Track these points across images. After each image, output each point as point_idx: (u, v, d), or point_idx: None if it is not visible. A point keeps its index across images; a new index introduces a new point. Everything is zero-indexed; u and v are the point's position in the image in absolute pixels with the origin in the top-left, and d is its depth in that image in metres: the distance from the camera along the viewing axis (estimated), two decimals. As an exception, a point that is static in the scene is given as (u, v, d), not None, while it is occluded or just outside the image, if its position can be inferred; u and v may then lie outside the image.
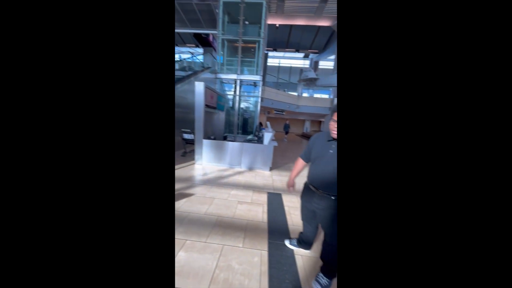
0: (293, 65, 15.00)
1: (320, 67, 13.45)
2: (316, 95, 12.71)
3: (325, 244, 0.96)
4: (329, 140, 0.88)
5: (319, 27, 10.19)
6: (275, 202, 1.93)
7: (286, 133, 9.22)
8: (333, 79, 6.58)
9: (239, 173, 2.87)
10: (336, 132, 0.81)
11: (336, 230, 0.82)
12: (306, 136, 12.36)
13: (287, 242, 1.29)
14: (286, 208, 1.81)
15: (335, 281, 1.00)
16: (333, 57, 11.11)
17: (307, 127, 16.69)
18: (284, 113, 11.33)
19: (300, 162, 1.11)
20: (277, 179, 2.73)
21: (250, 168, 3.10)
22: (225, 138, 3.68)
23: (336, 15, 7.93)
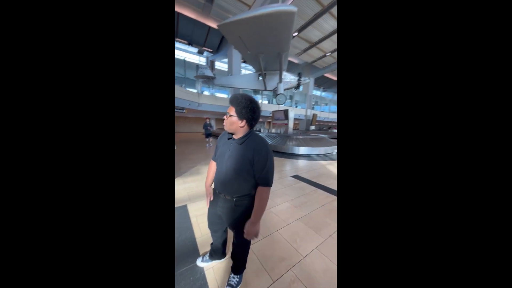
0: (187, 59, 13.83)
1: (216, 67, 14.00)
2: (218, 94, 13.17)
3: (233, 245, 0.94)
4: (229, 138, 0.81)
5: (210, 27, 10.41)
6: (179, 218, 1.59)
7: (208, 135, 6.46)
8: (229, 80, 7.18)
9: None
10: (228, 127, 0.75)
11: (241, 229, 0.79)
12: (214, 135, 12.46)
13: (199, 261, 1.09)
14: (193, 220, 1.56)
15: (245, 275, 1.02)
16: (227, 60, 12.11)
17: (213, 125, 16.86)
18: (184, 111, 10.21)
19: (213, 164, 0.94)
20: (180, 188, 2.31)
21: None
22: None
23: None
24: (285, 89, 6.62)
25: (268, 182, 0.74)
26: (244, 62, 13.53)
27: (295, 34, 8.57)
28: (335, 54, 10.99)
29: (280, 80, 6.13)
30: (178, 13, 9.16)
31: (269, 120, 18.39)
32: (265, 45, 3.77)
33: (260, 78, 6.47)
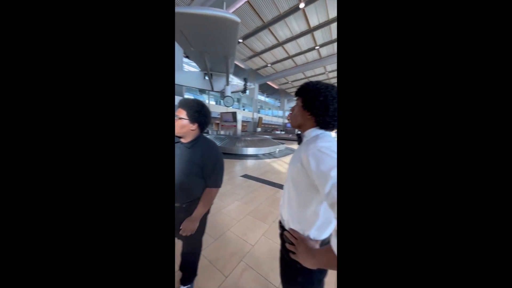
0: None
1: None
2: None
3: (183, 255, 0.89)
4: (176, 142, 0.76)
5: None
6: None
7: None
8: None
9: None
10: (176, 130, 0.72)
11: (187, 237, 0.76)
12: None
13: None
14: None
15: (197, 281, 1.00)
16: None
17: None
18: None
19: None
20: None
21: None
22: None
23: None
24: (232, 92, 6.79)
25: (217, 184, 0.79)
26: (187, 57, 12.34)
27: (240, 41, 9.03)
28: (275, 65, 12.70)
29: (227, 83, 6.22)
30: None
31: (217, 122, 17.94)
32: (210, 45, 3.71)
33: (207, 77, 6.22)
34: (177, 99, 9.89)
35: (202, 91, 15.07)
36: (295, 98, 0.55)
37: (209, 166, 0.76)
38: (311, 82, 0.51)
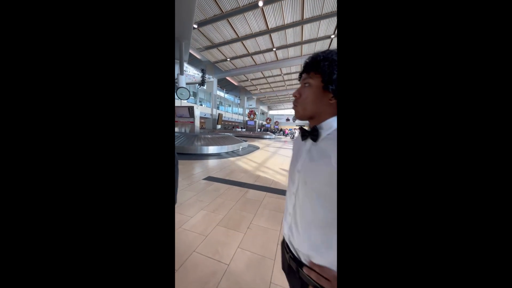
0: None
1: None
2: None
3: None
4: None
5: None
6: None
7: None
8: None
9: None
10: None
11: None
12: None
13: None
14: None
15: None
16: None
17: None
18: None
19: None
20: None
21: None
22: None
23: None
24: (187, 84, 5.94)
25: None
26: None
27: (195, 26, 8.04)
28: (235, 61, 12.36)
29: (181, 72, 5.35)
30: None
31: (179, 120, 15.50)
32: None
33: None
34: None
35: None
36: (300, 78, 0.41)
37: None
38: (326, 50, 0.38)
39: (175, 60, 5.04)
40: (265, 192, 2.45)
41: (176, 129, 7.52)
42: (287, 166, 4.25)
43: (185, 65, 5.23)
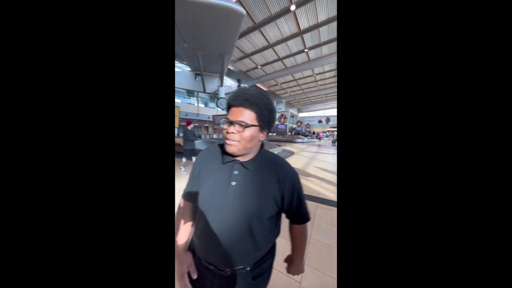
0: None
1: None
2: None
3: None
4: (225, 162, 0.44)
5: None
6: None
7: (190, 154, 3.30)
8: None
9: None
10: (232, 143, 0.39)
11: None
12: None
13: None
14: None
15: None
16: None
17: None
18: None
19: (187, 208, 0.50)
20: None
21: None
22: None
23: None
24: (225, 94, 6.45)
25: (308, 215, 0.50)
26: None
27: (231, 41, 8.73)
28: (265, 67, 12.66)
29: (221, 84, 5.86)
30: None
31: (207, 125, 17.25)
32: (207, 41, 3.35)
33: (198, 78, 5.79)
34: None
35: (190, 93, 14.36)
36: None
37: (291, 194, 0.45)
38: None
39: (216, 74, 5.58)
40: (316, 203, 2.28)
41: (215, 136, 8.19)
42: (331, 174, 3.88)
43: (224, 77, 5.71)
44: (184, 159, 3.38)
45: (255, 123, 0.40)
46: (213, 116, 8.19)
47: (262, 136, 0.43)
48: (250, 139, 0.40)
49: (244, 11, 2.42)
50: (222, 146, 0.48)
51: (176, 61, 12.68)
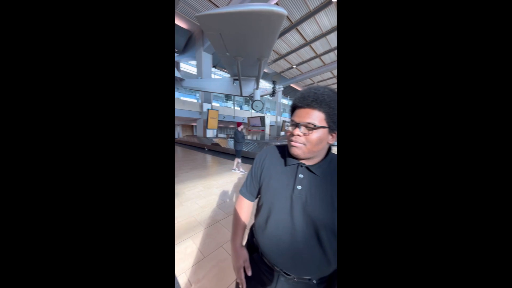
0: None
1: (181, 68, 12.78)
2: (184, 98, 11.91)
3: None
4: (289, 165, 0.43)
5: (175, 25, 9.44)
6: (156, 280, 1.01)
7: (240, 154, 3.66)
8: (201, 83, 6.55)
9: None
10: (297, 145, 0.38)
11: None
12: (181, 143, 11.03)
13: None
14: (179, 273, 1.03)
15: None
16: (194, 62, 11.27)
17: (179, 133, 15.15)
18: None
19: (245, 206, 0.52)
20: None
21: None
22: None
23: (191, 20, 7.97)
24: (261, 96, 6.60)
25: None
26: (214, 66, 13.00)
27: (266, 44, 8.90)
28: (300, 67, 12.17)
29: (257, 86, 6.05)
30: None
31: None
32: (247, 47, 3.56)
33: (235, 83, 6.20)
34: (206, 106, 10.38)
35: (227, 97, 15.60)
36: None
37: None
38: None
39: (252, 77, 5.81)
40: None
41: (249, 137, 8.51)
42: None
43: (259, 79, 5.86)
44: (237, 160, 3.68)
45: (324, 124, 0.37)
46: (248, 118, 8.55)
47: (331, 139, 0.39)
48: (317, 142, 0.37)
49: (285, 12, 2.41)
50: (284, 147, 0.47)
51: (216, 69, 14.08)
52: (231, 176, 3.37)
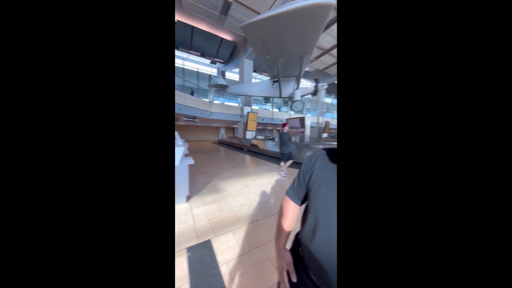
0: (200, 70, 14.25)
1: (226, 77, 14.22)
2: (227, 103, 13.20)
3: None
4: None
5: (222, 38, 10.68)
6: (202, 264, 1.15)
7: (288, 157, 3.34)
8: (243, 88, 7.03)
9: (126, 225, 1.57)
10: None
11: None
12: (224, 143, 12.24)
13: None
14: (223, 269, 1.11)
15: None
16: (237, 70, 12.26)
17: (223, 134, 16.83)
18: (196, 119, 10.18)
19: (291, 208, 0.50)
20: (199, 213, 1.90)
21: (151, 208, 1.88)
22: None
23: (236, 32, 8.75)
24: (301, 96, 6.28)
25: None
26: (255, 71, 13.66)
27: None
28: (349, 60, 10.67)
29: (298, 86, 5.81)
30: (193, 27, 9.52)
31: (278, 129, 18.05)
32: (288, 48, 3.49)
33: (275, 85, 6.22)
34: (246, 109, 11.01)
35: (266, 99, 15.95)
36: None
37: None
38: None
39: (292, 77, 5.63)
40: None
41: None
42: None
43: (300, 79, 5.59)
44: (282, 163, 3.46)
45: None
46: (287, 119, 8.36)
47: None
48: None
49: (334, 1, 2.18)
50: (335, 151, 0.43)
51: (256, 73, 14.71)
52: (270, 177, 3.38)
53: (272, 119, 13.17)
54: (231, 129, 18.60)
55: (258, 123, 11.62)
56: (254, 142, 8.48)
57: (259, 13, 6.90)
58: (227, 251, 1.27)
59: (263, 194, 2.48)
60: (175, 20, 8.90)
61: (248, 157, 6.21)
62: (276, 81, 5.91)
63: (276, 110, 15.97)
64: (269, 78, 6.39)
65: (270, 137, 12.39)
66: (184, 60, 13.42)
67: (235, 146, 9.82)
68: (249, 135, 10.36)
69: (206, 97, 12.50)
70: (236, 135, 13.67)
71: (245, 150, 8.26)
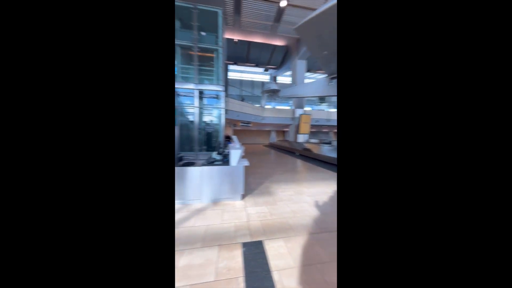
0: (254, 79, 15.56)
1: (278, 81, 14.49)
2: (278, 107, 13.36)
3: None
4: None
5: (275, 46, 11.07)
6: (255, 263, 1.20)
7: None
8: (295, 90, 6.84)
9: (199, 211, 1.99)
10: None
11: None
12: (275, 147, 12.46)
13: None
14: (275, 276, 1.10)
15: None
16: (289, 72, 12.15)
17: (274, 137, 17.21)
18: (250, 124, 11.13)
19: None
20: (253, 212, 2.02)
21: (215, 201, 2.26)
22: (180, 160, 2.77)
23: (288, 36, 8.75)
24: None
25: None
26: (308, 71, 12.92)
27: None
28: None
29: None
30: (249, 42, 10.61)
31: (335, 131, 15.72)
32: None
33: (332, 82, 5.51)
34: (298, 112, 10.57)
35: (321, 99, 14.54)
36: None
37: None
38: None
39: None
40: None
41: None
42: None
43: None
44: None
45: None
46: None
47: None
48: None
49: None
50: None
51: (310, 72, 13.80)
52: (326, 186, 3.01)
53: (328, 120, 11.76)
54: (281, 132, 18.62)
55: (311, 125, 10.79)
56: (306, 146, 7.93)
57: (314, 9, 6.49)
58: (278, 257, 1.25)
59: (318, 204, 2.23)
60: (235, 40, 10.32)
61: (299, 162, 5.89)
62: (334, 78, 5.23)
63: (333, 109, 14.08)
64: (326, 75, 5.78)
65: (326, 141, 11.05)
66: (241, 73, 15.24)
67: (286, 150, 9.68)
68: (301, 138, 9.83)
69: (259, 103, 13.35)
70: (286, 138, 13.46)
71: (297, 154, 7.91)
